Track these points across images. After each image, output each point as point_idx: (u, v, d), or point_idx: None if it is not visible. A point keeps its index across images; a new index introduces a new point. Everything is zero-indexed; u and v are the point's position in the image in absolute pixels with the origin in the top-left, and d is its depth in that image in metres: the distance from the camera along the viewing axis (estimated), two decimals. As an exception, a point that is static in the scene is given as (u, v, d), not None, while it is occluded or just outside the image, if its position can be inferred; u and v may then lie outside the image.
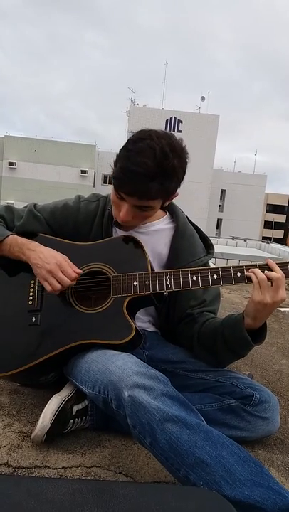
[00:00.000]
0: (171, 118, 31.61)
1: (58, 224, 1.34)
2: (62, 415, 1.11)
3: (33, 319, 1.20)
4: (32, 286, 1.26)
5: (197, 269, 1.15)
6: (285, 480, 1.10)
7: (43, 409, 1.11)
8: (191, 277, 1.14)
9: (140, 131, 1.16)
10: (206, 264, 1.32)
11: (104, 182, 31.88)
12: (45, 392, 1.32)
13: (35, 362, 1.14)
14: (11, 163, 30.64)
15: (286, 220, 48.94)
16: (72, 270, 1.17)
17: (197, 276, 1.14)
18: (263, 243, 26.23)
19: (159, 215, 1.35)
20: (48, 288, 1.16)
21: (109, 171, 1.20)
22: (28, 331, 1.19)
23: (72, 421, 1.14)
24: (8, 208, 1.37)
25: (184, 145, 1.16)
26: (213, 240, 1.53)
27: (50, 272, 1.16)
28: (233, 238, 26.10)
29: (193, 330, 1.27)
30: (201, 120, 31.65)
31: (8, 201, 24.89)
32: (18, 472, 1.02)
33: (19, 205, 1.50)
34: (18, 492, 0.66)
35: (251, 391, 1.17)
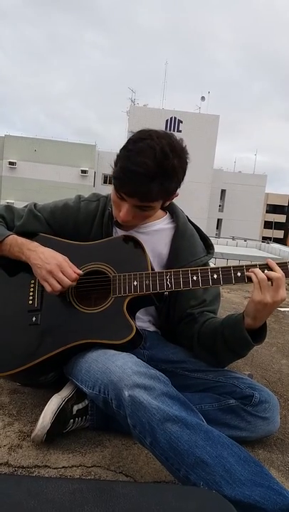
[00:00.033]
0: (171, 118, 31.61)
1: (58, 224, 1.34)
2: (62, 415, 1.11)
3: (33, 319, 1.20)
4: (32, 285, 1.26)
5: (197, 269, 1.15)
6: (285, 480, 1.10)
7: (43, 409, 1.11)
8: (192, 277, 1.14)
9: (140, 131, 1.16)
10: (206, 264, 1.32)
11: (105, 182, 31.88)
12: (45, 391, 1.32)
13: (35, 361, 1.14)
14: (11, 163, 30.64)
15: (286, 220, 48.94)
16: (73, 271, 1.17)
17: (197, 276, 1.14)
18: (263, 243, 26.24)
19: (159, 215, 1.35)
20: (48, 288, 1.16)
21: (109, 170, 1.20)
22: (28, 331, 1.19)
23: (72, 420, 1.14)
24: (9, 207, 1.37)
25: (184, 145, 1.16)
26: (213, 240, 1.53)
27: (51, 273, 1.15)
28: (233, 238, 26.11)
29: (194, 330, 1.27)
30: (201, 120, 31.65)
31: (8, 201, 24.85)
32: (19, 472, 1.02)
33: (19, 204, 1.50)
34: (18, 492, 0.66)
35: (251, 391, 1.17)
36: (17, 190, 29.39)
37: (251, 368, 1.86)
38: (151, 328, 1.39)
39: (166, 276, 1.15)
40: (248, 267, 1.12)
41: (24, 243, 1.24)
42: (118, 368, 1.00)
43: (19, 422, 1.22)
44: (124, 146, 1.15)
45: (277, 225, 46.06)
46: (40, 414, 1.11)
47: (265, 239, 31.70)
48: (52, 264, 1.16)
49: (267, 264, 1.12)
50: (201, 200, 30.22)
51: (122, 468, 1.06)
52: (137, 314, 1.27)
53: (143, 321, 1.37)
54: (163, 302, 1.29)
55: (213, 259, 1.42)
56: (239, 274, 1.12)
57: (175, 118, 31.64)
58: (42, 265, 1.17)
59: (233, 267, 1.13)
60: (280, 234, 47.07)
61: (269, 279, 1.08)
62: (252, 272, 1.10)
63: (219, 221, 36.66)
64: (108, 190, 1.35)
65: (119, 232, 1.31)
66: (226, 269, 1.13)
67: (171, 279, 1.14)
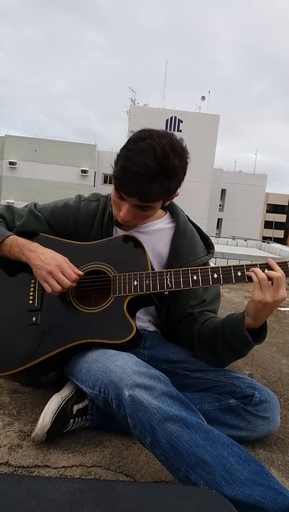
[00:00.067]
0: (171, 118, 31.58)
1: (59, 223, 1.34)
2: (62, 415, 1.11)
3: (34, 319, 1.20)
4: (32, 285, 1.26)
5: (197, 269, 1.15)
6: (286, 479, 1.10)
7: (43, 409, 1.11)
8: (192, 277, 1.14)
9: (141, 131, 1.16)
10: (207, 263, 1.32)
11: (105, 182, 31.89)
12: (45, 391, 1.32)
13: (35, 361, 1.14)
14: (11, 163, 30.63)
15: (286, 220, 48.93)
16: (73, 271, 1.17)
17: (197, 276, 1.14)
18: (264, 243, 26.21)
19: (160, 214, 1.35)
20: (48, 289, 1.16)
21: (109, 170, 1.20)
22: (28, 331, 1.19)
23: (72, 420, 1.14)
24: (9, 207, 1.37)
25: (184, 145, 1.16)
26: (213, 240, 1.53)
27: (51, 273, 1.15)
28: (233, 238, 26.10)
29: (194, 329, 1.27)
30: (202, 120, 31.63)
31: (8, 201, 24.86)
32: (19, 471, 1.02)
33: (19, 204, 1.49)
34: (18, 491, 0.66)
35: (252, 391, 1.17)
36: (17, 190, 29.38)
37: (251, 367, 1.86)
38: (152, 328, 1.39)
39: (167, 275, 1.15)
40: (249, 267, 1.12)
41: (24, 244, 1.24)
42: (118, 368, 1.00)
43: (19, 421, 1.22)
44: (124, 146, 1.15)
45: (278, 225, 46.06)
46: (40, 413, 1.11)
47: (265, 239, 31.68)
48: (52, 264, 1.16)
49: (267, 264, 1.11)
50: (202, 200, 30.21)
51: (122, 468, 1.06)
52: (137, 314, 1.27)
53: (143, 320, 1.37)
54: (163, 302, 1.29)
55: (213, 259, 1.42)
56: (239, 273, 1.12)
57: (175, 118, 31.62)
58: (42, 266, 1.17)
59: (234, 266, 1.13)
60: (280, 234, 47.07)
61: (269, 278, 1.08)
62: (252, 271, 1.10)
63: (219, 221, 36.65)
64: (108, 190, 1.35)
65: (119, 232, 1.31)
66: (226, 269, 1.13)
67: (171, 279, 1.14)
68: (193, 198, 26.04)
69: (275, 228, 43.77)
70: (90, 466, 1.06)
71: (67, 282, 1.15)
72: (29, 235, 1.30)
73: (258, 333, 1.15)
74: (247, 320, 1.13)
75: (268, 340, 2.26)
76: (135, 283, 1.15)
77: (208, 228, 29.68)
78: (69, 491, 0.66)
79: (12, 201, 23.71)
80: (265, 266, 1.12)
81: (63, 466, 1.05)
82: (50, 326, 1.19)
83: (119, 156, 1.15)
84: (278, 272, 1.09)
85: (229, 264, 1.13)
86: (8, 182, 30.46)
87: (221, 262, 10.34)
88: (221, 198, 36.49)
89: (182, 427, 0.88)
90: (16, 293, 1.26)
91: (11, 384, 1.43)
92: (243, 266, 1.13)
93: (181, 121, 31.49)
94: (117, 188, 1.16)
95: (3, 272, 1.31)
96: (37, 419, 1.11)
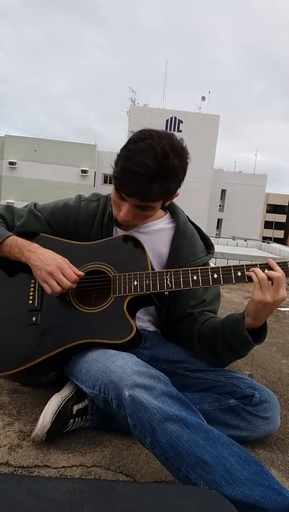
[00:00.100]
0: (171, 118, 31.60)
1: (59, 223, 1.34)
2: (62, 415, 1.11)
3: (33, 319, 1.20)
4: (32, 285, 1.26)
5: (197, 269, 1.15)
6: (286, 480, 1.10)
7: (43, 409, 1.11)
8: (192, 277, 1.14)
9: (141, 131, 1.16)
10: (207, 264, 1.32)
11: (105, 182, 31.89)
12: (45, 391, 1.32)
13: (35, 361, 1.14)
14: (11, 163, 30.64)
15: (286, 220, 48.93)
16: (73, 272, 1.17)
17: (197, 276, 1.14)
18: (264, 243, 26.22)
19: (160, 214, 1.35)
20: (48, 290, 1.16)
21: (109, 170, 1.20)
22: (28, 331, 1.19)
23: (72, 420, 1.14)
24: (9, 207, 1.37)
25: (184, 145, 1.16)
26: (213, 240, 1.53)
27: (51, 274, 1.15)
28: (233, 238, 26.09)
29: (194, 329, 1.27)
30: (202, 120, 31.64)
31: (8, 201, 24.86)
32: (19, 471, 1.02)
33: (19, 204, 1.49)
34: (18, 491, 0.66)
35: (252, 391, 1.17)
36: (17, 190, 29.40)
37: (251, 367, 1.86)
38: (152, 328, 1.39)
39: (167, 275, 1.15)
40: (249, 267, 1.12)
41: (24, 244, 1.24)
42: (118, 368, 1.00)
43: (19, 421, 1.22)
44: (124, 146, 1.15)
45: (278, 225, 46.07)
46: (40, 413, 1.11)
47: (265, 239, 31.68)
48: (52, 265, 1.16)
49: (267, 264, 1.12)
50: (202, 200, 30.22)
51: (122, 468, 1.06)
52: (137, 314, 1.27)
53: (143, 320, 1.37)
54: (163, 302, 1.29)
55: (213, 259, 1.42)
56: (239, 273, 1.12)
57: (175, 118, 31.63)
58: (42, 267, 1.17)
59: (234, 266, 1.13)
60: (280, 234, 47.08)
61: (269, 278, 1.08)
62: (252, 271, 1.10)
63: (219, 221, 36.65)
64: (108, 190, 1.35)
65: (119, 232, 1.31)
66: (226, 269, 1.13)
67: (171, 279, 1.14)
68: (193, 198, 26.05)
69: (275, 228, 43.78)
70: (90, 466, 1.06)
71: (67, 283, 1.15)
72: (29, 235, 1.30)
73: (258, 334, 1.15)
74: (247, 320, 1.13)
75: (268, 340, 2.26)
76: (135, 283, 1.15)
77: (208, 228, 29.68)
78: (69, 491, 0.66)
79: (12, 201, 23.73)
80: (265, 266, 1.12)
81: (63, 466, 1.05)
82: (50, 326, 1.19)
83: (119, 156, 1.15)
84: (278, 272, 1.09)
85: (229, 265, 1.13)
86: (8, 182, 30.47)
87: (221, 262, 10.35)
88: (221, 199, 36.49)
89: (182, 427, 0.88)
90: (16, 293, 1.26)
91: (11, 384, 1.43)
92: (243, 266, 1.13)
93: (181, 122, 31.50)
94: (117, 188, 1.16)
95: (3, 272, 1.31)
96: (37, 419, 1.11)
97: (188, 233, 1.35)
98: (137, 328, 1.11)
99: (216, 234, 33.04)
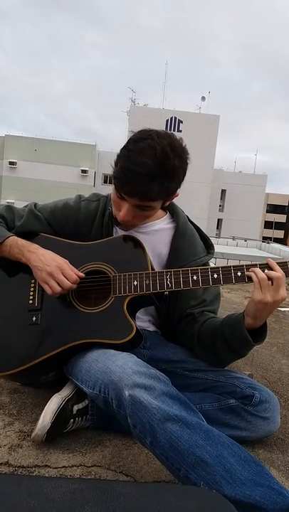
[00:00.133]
0: (171, 118, 31.59)
1: (59, 223, 1.34)
2: (62, 415, 1.11)
3: (34, 318, 1.20)
4: (32, 285, 1.26)
5: (197, 269, 1.15)
6: (286, 480, 1.10)
7: (43, 409, 1.11)
8: (192, 277, 1.14)
9: (141, 131, 1.16)
10: (206, 264, 1.32)
11: (105, 182, 31.89)
12: (45, 391, 1.32)
13: (35, 361, 1.14)
14: (11, 163, 30.63)
15: (286, 220, 48.94)
16: (73, 272, 1.17)
17: (197, 276, 1.14)
18: (264, 243, 26.22)
19: (160, 214, 1.35)
20: (49, 291, 1.16)
21: (109, 170, 1.20)
22: (28, 331, 1.19)
23: (72, 420, 1.14)
24: (9, 207, 1.37)
25: (184, 145, 1.16)
26: (213, 240, 1.53)
27: (51, 275, 1.15)
28: (233, 238, 26.10)
29: (194, 329, 1.27)
30: (202, 120, 31.64)
31: (8, 201, 24.85)
32: (19, 471, 1.02)
33: (19, 204, 1.50)
34: (18, 491, 0.66)
35: (252, 391, 1.17)
36: (17, 190, 29.39)
37: (251, 367, 1.86)
38: (152, 328, 1.39)
39: (167, 275, 1.15)
40: (249, 267, 1.12)
41: (24, 245, 1.24)
42: (118, 368, 1.00)
43: (19, 421, 1.22)
44: (124, 146, 1.15)
45: (278, 225, 46.07)
46: (40, 413, 1.11)
47: (265, 239, 31.68)
48: (52, 266, 1.16)
49: (267, 264, 1.12)
50: (202, 200, 30.21)
51: (122, 468, 1.06)
52: (137, 314, 1.27)
53: (143, 320, 1.37)
54: (163, 302, 1.29)
55: (213, 259, 1.42)
56: (239, 273, 1.12)
57: (175, 118, 31.62)
58: (42, 267, 1.17)
59: (234, 266, 1.13)
60: (280, 234, 47.08)
61: (269, 278, 1.08)
62: (252, 271, 1.10)
63: (219, 221, 36.64)
64: (108, 190, 1.35)
65: (119, 232, 1.31)
66: (226, 269, 1.13)
67: (171, 279, 1.14)
68: (193, 198, 26.04)
69: (275, 228, 43.78)
70: (90, 466, 1.06)
71: (67, 284, 1.15)
72: (29, 235, 1.30)
73: (258, 334, 1.15)
74: (247, 320, 1.13)
75: (268, 340, 2.26)
76: (135, 283, 1.15)
77: (208, 228, 29.68)
78: (69, 490, 0.66)
79: (12, 201, 23.70)
80: (265, 266, 1.12)
81: (63, 466, 1.05)
82: (50, 325, 1.19)
83: (119, 156, 1.15)
84: (278, 272, 1.09)
85: (229, 265, 1.13)
86: (8, 182, 30.46)
87: (221, 262, 10.34)
88: (221, 199, 36.48)
89: (182, 427, 0.88)
90: (16, 293, 1.26)
91: (11, 384, 1.43)
92: (243, 266, 1.13)
93: (181, 122, 31.50)
94: (117, 188, 1.16)
95: (3, 272, 1.31)
96: (37, 419, 1.11)
97: (188, 233, 1.35)
98: (137, 328, 1.11)
99: (216, 234, 33.04)
